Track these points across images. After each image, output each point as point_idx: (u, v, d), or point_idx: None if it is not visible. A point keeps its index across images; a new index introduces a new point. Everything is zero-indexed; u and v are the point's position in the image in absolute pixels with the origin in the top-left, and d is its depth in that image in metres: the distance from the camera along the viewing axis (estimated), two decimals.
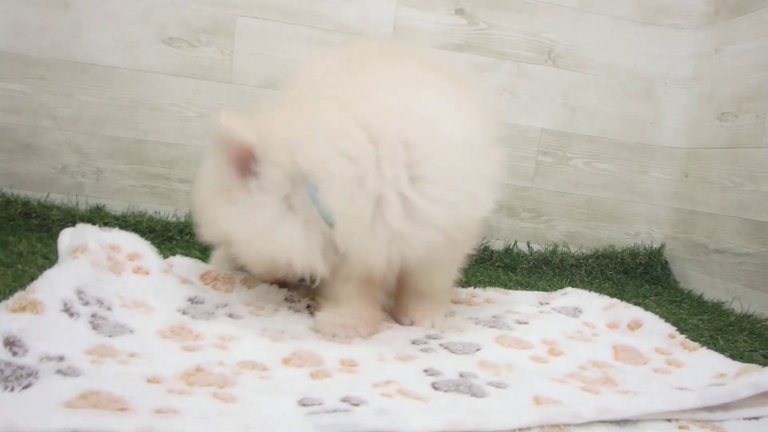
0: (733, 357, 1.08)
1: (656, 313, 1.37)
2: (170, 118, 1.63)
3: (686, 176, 1.81)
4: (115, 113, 1.61)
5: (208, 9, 1.62)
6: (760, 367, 0.86)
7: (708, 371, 0.89)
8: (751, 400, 0.78)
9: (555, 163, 1.83)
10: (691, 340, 1.15)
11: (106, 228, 1.05)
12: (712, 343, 1.18)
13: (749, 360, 1.08)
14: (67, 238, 0.97)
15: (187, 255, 1.34)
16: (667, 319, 1.31)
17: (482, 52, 1.76)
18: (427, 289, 1.05)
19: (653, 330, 1.05)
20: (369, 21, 1.70)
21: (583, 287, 1.62)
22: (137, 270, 0.97)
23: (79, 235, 0.96)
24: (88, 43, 1.57)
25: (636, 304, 1.45)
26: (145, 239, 1.45)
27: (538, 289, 1.47)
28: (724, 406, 0.77)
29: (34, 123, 1.57)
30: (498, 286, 1.50)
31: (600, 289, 1.62)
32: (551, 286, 1.56)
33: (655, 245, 1.86)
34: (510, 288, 1.50)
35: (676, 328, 1.07)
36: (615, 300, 1.18)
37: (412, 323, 1.05)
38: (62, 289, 0.77)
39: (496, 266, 1.73)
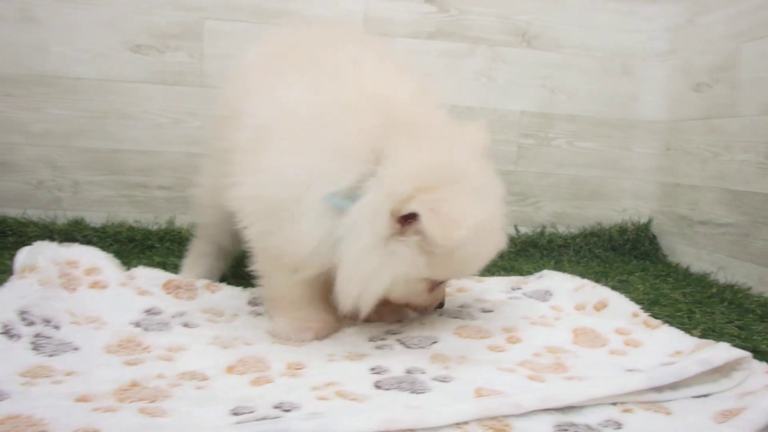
0: (706, 330, 1.09)
1: (639, 289, 1.37)
2: (143, 126, 1.63)
3: (668, 149, 1.78)
4: (87, 125, 1.61)
5: (174, 14, 1.62)
6: (714, 342, 0.85)
7: (665, 349, 0.89)
8: (702, 377, 0.78)
9: (537, 145, 1.81)
10: (668, 315, 1.16)
11: (66, 243, 1.06)
12: (688, 317, 1.17)
13: (722, 332, 1.08)
14: (21, 257, 0.98)
15: (165, 262, 1.35)
16: (648, 295, 1.31)
17: (456, 39, 1.75)
18: None
19: (617, 310, 1.04)
20: (339, 14, 1.69)
21: (571, 267, 1.62)
22: (94, 284, 0.98)
23: (32, 254, 0.97)
24: (54, 56, 1.58)
25: (621, 281, 1.46)
26: (126, 249, 1.50)
27: (522, 273, 1.47)
28: (673, 385, 0.76)
29: (5, 140, 1.59)
30: (483, 271, 1.49)
31: (588, 268, 1.61)
32: (537, 268, 1.54)
33: (643, 220, 1.84)
34: (494, 273, 1.49)
35: (640, 307, 1.06)
36: (585, 281, 1.18)
37: (380, 319, 1.04)
38: (4, 311, 0.78)
39: None
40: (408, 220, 0.81)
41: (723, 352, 0.79)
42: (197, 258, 1.23)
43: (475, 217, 0.80)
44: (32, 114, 1.59)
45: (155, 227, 1.61)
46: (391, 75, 0.93)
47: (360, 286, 0.82)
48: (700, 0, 1.66)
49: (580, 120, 1.82)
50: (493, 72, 1.77)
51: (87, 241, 1.51)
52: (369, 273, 0.81)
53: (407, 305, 0.98)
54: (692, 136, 1.67)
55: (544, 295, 1.15)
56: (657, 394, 0.75)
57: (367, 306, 0.84)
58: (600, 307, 1.06)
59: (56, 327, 0.84)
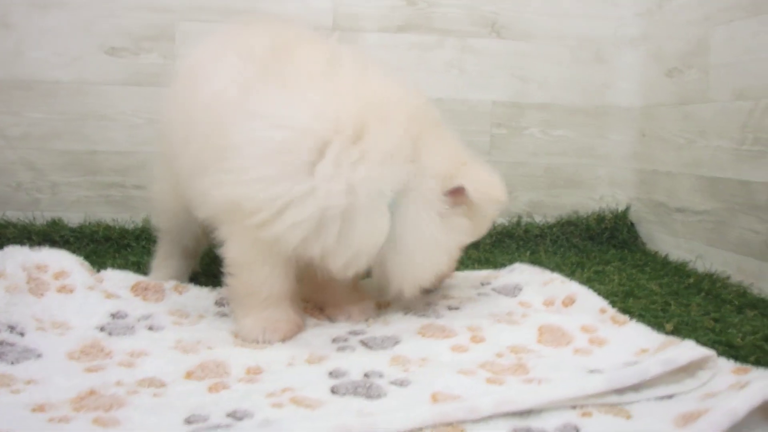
0: (680, 323, 1.08)
1: (614, 280, 1.38)
2: (119, 127, 1.65)
3: (644, 136, 1.78)
4: (64, 127, 1.63)
5: (147, 16, 1.63)
6: (680, 340, 0.84)
7: (630, 347, 0.87)
8: (666, 377, 0.76)
9: (510, 135, 1.81)
10: (643, 308, 1.16)
11: (38, 248, 1.07)
12: (663, 310, 1.17)
13: (696, 326, 1.07)
14: None
15: (140, 261, 1.36)
16: (623, 286, 1.31)
17: (425, 31, 1.74)
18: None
19: (585, 305, 1.04)
20: (310, 11, 1.69)
21: (548, 257, 1.63)
22: (61, 288, 0.99)
23: (1, 260, 0.98)
24: (30, 61, 1.60)
25: (597, 271, 1.47)
26: (102, 248, 1.51)
27: (497, 265, 1.47)
28: (636, 386, 0.74)
29: None
30: (458, 264, 1.50)
31: (564, 258, 1.62)
32: (513, 260, 1.55)
33: (620, 208, 1.85)
34: (469, 266, 1.50)
35: (613, 300, 1.06)
36: (555, 275, 1.18)
37: (349, 318, 1.06)
38: None
39: None
40: (454, 194, 0.95)
41: (687, 351, 0.78)
42: (164, 259, 1.23)
43: (501, 183, 0.99)
44: (10, 118, 1.61)
45: (131, 226, 1.63)
46: (379, 74, 1.00)
47: (433, 265, 0.96)
48: None
49: (553, 108, 1.82)
50: (464, 63, 1.77)
51: (65, 241, 1.53)
52: (441, 249, 0.96)
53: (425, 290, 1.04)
54: (666, 123, 1.67)
55: (513, 290, 1.15)
56: (618, 396, 0.73)
57: (429, 284, 0.99)
58: (568, 302, 1.06)
59: (21, 334, 0.85)
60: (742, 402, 0.65)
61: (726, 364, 0.81)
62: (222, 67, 1.02)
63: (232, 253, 0.96)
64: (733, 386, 0.72)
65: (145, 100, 1.64)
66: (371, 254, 0.93)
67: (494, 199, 0.97)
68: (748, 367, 0.80)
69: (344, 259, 0.92)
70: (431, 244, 0.95)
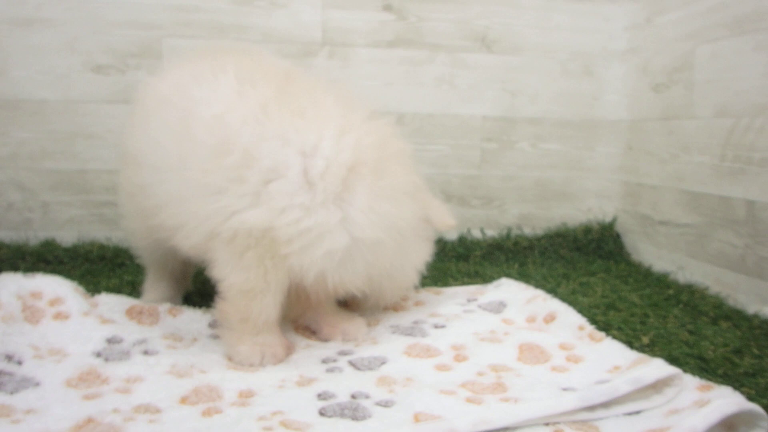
0: (656, 336, 1.13)
1: (597, 292, 1.41)
2: (108, 145, 1.65)
3: (630, 149, 1.82)
4: (53, 146, 1.63)
5: (133, 33, 1.63)
6: (650, 358, 0.89)
7: (604, 365, 0.92)
8: (635, 394, 0.82)
9: (500, 149, 1.84)
10: (622, 320, 1.21)
11: (30, 274, 1.08)
12: (642, 322, 1.22)
13: (671, 339, 1.12)
14: None
15: (135, 281, 1.38)
16: (606, 298, 1.35)
17: (415, 46, 1.77)
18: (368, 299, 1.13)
19: (565, 322, 1.08)
20: (299, 26, 1.71)
21: (536, 269, 1.66)
22: (57, 315, 1.01)
23: None
24: (16, 80, 1.60)
25: (582, 283, 1.50)
26: (97, 268, 1.53)
27: (486, 278, 1.50)
28: (606, 403, 0.80)
29: None
30: (448, 278, 1.53)
31: (552, 270, 1.65)
32: (501, 273, 1.58)
33: (607, 219, 1.88)
34: (458, 279, 1.53)
35: (593, 314, 1.10)
36: (538, 291, 1.21)
37: (345, 336, 1.08)
38: None
39: (449, 257, 1.76)
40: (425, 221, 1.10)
41: (654, 370, 0.83)
42: (154, 282, 1.24)
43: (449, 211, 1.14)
44: None
45: (126, 244, 1.63)
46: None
47: (412, 282, 1.12)
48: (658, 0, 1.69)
49: (543, 122, 1.86)
50: (454, 78, 1.80)
51: (58, 261, 1.54)
52: (419, 269, 1.12)
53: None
54: (652, 136, 1.70)
55: (498, 307, 1.18)
56: (589, 413, 0.78)
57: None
58: (549, 319, 1.10)
59: (19, 362, 0.88)
60: (701, 420, 0.71)
61: (691, 381, 0.86)
62: (221, 90, 1.00)
63: (233, 280, 0.97)
64: (696, 403, 0.78)
65: None
66: (383, 278, 1.04)
67: (449, 225, 1.12)
68: (712, 384, 0.85)
69: (359, 284, 1.01)
70: (416, 266, 1.11)
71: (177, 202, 0.99)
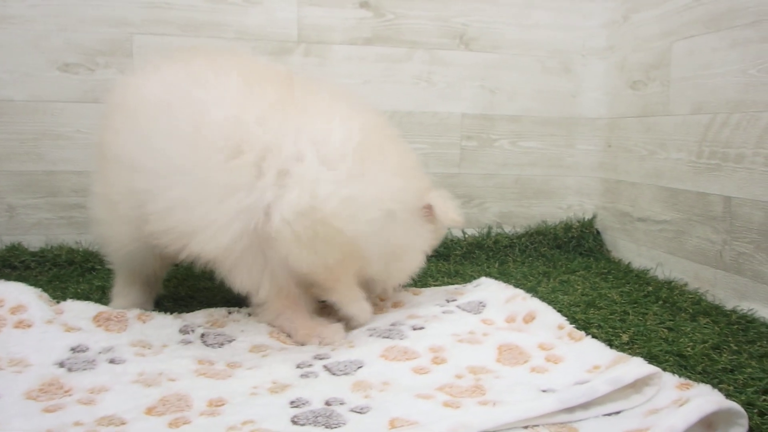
0: (635, 333, 1.12)
1: (578, 290, 1.40)
2: (77, 146, 1.60)
3: (609, 146, 1.81)
4: (18, 147, 1.58)
5: (102, 30, 1.59)
6: (629, 357, 0.88)
7: (583, 365, 0.90)
8: (614, 394, 0.80)
9: (480, 147, 1.83)
10: (602, 318, 1.19)
11: None
12: (621, 320, 1.20)
13: (651, 336, 1.11)
14: None
15: (105, 286, 1.34)
16: (586, 296, 1.34)
17: (393, 44, 1.75)
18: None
19: (544, 322, 1.06)
20: (274, 24, 1.68)
21: (516, 267, 1.64)
22: (19, 324, 0.97)
23: None
24: None
25: (562, 281, 1.49)
26: (65, 273, 1.48)
27: (466, 278, 1.48)
28: (585, 405, 0.78)
29: None
30: (428, 278, 1.51)
31: (532, 268, 1.64)
32: (481, 272, 1.56)
33: (587, 217, 1.87)
34: (438, 279, 1.51)
35: (574, 311, 1.08)
36: (517, 291, 1.19)
37: (321, 341, 1.06)
38: None
39: (429, 257, 1.73)
40: (426, 208, 1.15)
41: (634, 369, 0.81)
42: (124, 287, 1.20)
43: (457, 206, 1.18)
44: None
45: (96, 248, 1.59)
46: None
47: (418, 264, 1.17)
48: None
49: (522, 120, 1.84)
50: (432, 75, 1.78)
51: (25, 266, 1.50)
52: (423, 252, 1.17)
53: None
54: (630, 134, 1.70)
55: (478, 307, 1.16)
56: (568, 415, 0.77)
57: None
58: (529, 319, 1.08)
59: None
60: (680, 419, 0.70)
61: (671, 379, 0.84)
62: (231, 92, 1.01)
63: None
64: (675, 402, 0.77)
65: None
66: (393, 257, 1.11)
67: (454, 220, 1.16)
68: (691, 382, 0.84)
69: (377, 263, 1.08)
70: (422, 248, 1.17)
71: (192, 206, 0.98)
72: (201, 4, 1.63)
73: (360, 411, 0.78)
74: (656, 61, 1.56)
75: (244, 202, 0.98)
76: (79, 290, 1.34)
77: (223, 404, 0.81)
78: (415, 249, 1.15)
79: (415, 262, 1.16)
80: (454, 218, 1.15)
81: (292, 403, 0.80)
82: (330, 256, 1.00)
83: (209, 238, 0.98)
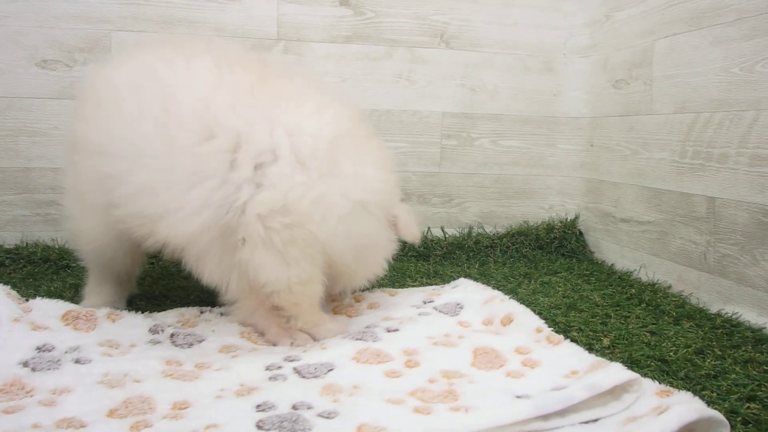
0: (617, 337, 1.10)
1: (559, 291, 1.38)
2: (54, 143, 1.58)
3: (592, 145, 1.80)
4: None
5: (79, 27, 1.57)
6: (608, 362, 0.85)
7: (560, 370, 0.88)
8: (592, 401, 0.77)
9: (460, 145, 1.81)
10: (583, 321, 1.17)
11: None
12: (603, 323, 1.19)
13: (633, 341, 1.09)
14: None
15: (79, 284, 1.32)
16: (567, 298, 1.32)
17: (373, 42, 1.73)
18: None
19: (522, 324, 1.04)
20: (253, 21, 1.66)
21: (497, 268, 1.63)
22: None
23: None
24: None
25: (543, 282, 1.47)
26: (40, 270, 1.46)
27: (445, 278, 1.46)
28: (561, 412, 0.76)
29: None
30: (406, 279, 1.49)
31: (513, 269, 1.62)
32: (461, 272, 1.55)
33: (570, 217, 1.86)
34: (416, 279, 1.49)
35: (545, 321, 1.06)
36: (495, 292, 1.17)
37: (293, 342, 1.05)
38: None
39: (409, 257, 1.72)
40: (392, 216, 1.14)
41: (613, 375, 0.79)
42: (96, 285, 1.18)
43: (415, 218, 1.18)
44: None
45: (71, 245, 1.57)
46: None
47: (382, 267, 1.16)
48: None
49: (503, 118, 1.83)
50: (413, 74, 1.76)
51: (0, 263, 1.47)
52: (386, 255, 1.16)
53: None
54: (613, 133, 1.68)
55: (455, 309, 1.14)
56: (543, 422, 0.74)
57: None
58: (507, 321, 1.06)
59: None
60: (659, 428, 0.68)
61: (651, 386, 0.82)
62: (201, 74, 1.00)
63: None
64: (654, 410, 0.74)
65: None
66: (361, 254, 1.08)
67: (414, 236, 1.17)
68: (672, 389, 0.81)
69: (349, 256, 1.05)
70: (385, 255, 1.15)
71: (160, 189, 0.96)
72: (178, 0, 1.61)
73: (327, 416, 0.76)
74: (639, 60, 1.55)
75: (217, 193, 0.96)
76: (52, 288, 1.32)
77: (187, 407, 0.79)
78: (380, 250, 1.14)
79: (378, 264, 1.15)
80: (414, 233, 1.16)
81: (258, 406, 0.78)
82: (298, 266, 1.00)
83: (176, 223, 0.97)
